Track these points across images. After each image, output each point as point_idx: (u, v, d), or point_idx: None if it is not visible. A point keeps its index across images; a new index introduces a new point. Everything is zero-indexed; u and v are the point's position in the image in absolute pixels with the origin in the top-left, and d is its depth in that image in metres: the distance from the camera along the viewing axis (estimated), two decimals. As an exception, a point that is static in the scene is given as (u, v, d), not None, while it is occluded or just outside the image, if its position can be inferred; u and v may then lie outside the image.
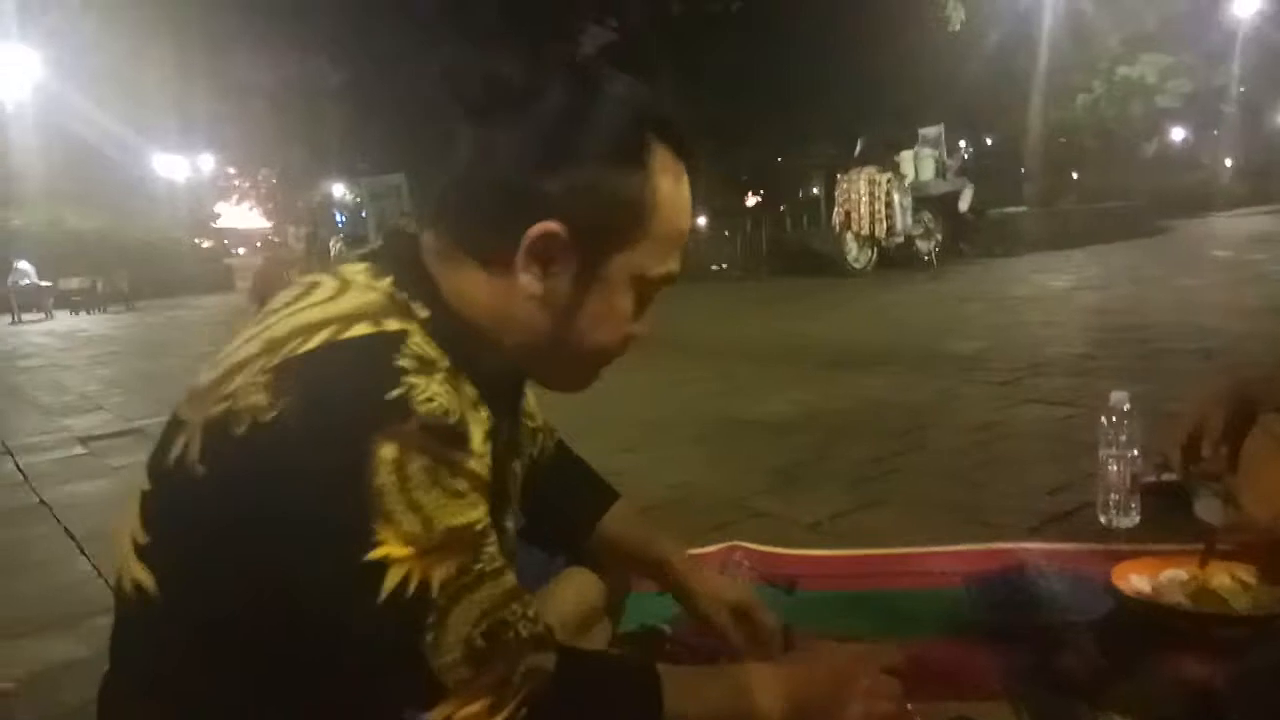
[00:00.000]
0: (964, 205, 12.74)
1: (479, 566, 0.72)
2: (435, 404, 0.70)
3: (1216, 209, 22.40)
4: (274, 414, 0.69)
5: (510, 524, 0.92)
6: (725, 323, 8.10)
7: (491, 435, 0.80)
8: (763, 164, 25.65)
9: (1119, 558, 1.62)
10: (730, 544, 1.99)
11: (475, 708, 0.71)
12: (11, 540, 2.73)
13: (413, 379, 0.70)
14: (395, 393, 0.69)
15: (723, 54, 21.44)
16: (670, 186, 0.82)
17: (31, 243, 21.94)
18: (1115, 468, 1.88)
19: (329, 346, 0.72)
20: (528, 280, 0.80)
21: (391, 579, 0.67)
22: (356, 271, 0.82)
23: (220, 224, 31.64)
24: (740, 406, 3.80)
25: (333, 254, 17.29)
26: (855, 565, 1.88)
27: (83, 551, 2.49)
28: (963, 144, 17.07)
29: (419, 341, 0.75)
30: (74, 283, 21.21)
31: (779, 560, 1.90)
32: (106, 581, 2.06)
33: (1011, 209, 16.70)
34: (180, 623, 0.76)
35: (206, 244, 26.77)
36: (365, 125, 22.62)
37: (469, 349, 0.79)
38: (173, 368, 7.35)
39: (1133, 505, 1.89)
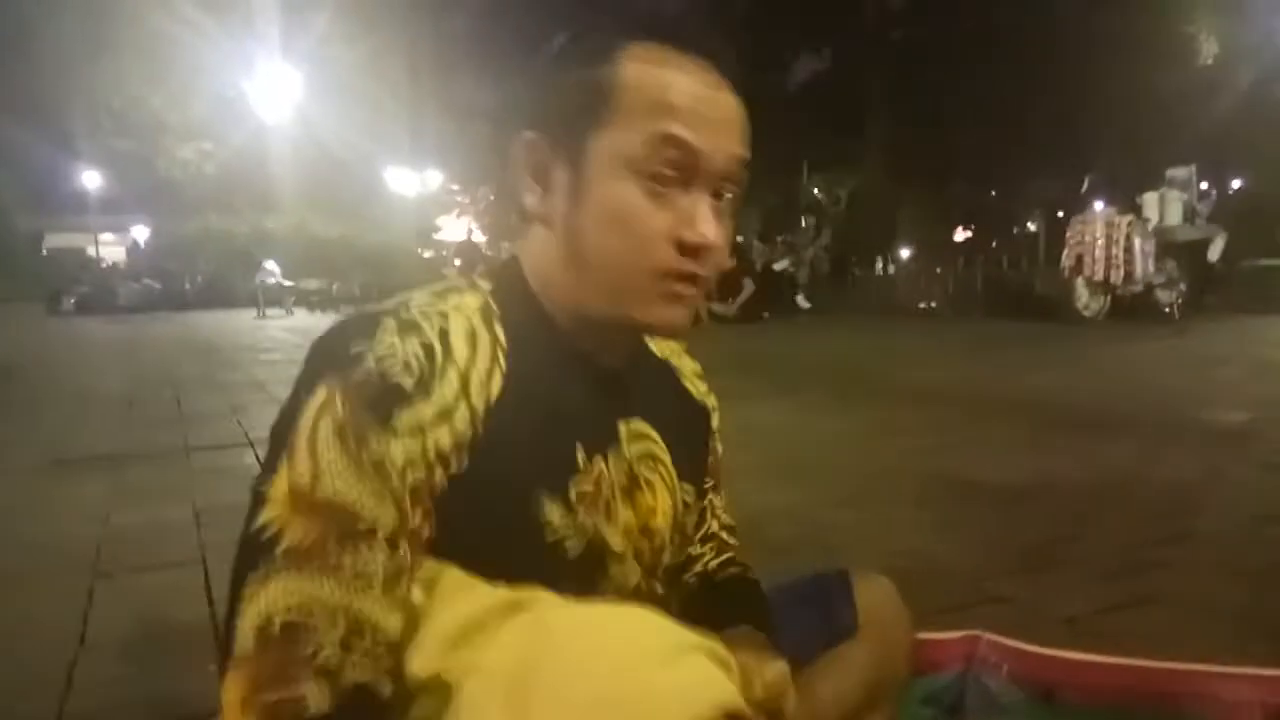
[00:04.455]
0: (1214, 254, 11.53)
1: (336, 562, 0.65)
2: (391, 359, 0.70)
3: None
4: None
5: (560, 516, 0.77)
6: (935, 367, 7.52)
7: (495, 411, 0.74)
8: (975, 198, 24.46)
9: None
10: (972, 633, 1.76)
11: (231, 691, 0.63)
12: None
13: (384, 335, 0.71)
14: (359, 346, 0.70)
15: (936, 83, 20.55)
16: (645, 69, 0.77)
17: (279, 245, 24.31)
18: None
19: (361, 313, 0.76)
20: (531, 201, 0.81)
21: (262, 515, 0.67)
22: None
23: (440, 236, 33.66)
24: (963, 466, 3.47)
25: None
26: (1127, 676, 1.60)
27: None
28: (1205, 186, 15.47)
29: (442, 309, 0.75)
30: (313, 283, 23.23)
31: (1034, 661, 1.65)
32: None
33: (1268, 261, 14.96)
34: None
35: (428, 254, 28.49)
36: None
37: (527, 321, 0.80)
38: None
39: None
